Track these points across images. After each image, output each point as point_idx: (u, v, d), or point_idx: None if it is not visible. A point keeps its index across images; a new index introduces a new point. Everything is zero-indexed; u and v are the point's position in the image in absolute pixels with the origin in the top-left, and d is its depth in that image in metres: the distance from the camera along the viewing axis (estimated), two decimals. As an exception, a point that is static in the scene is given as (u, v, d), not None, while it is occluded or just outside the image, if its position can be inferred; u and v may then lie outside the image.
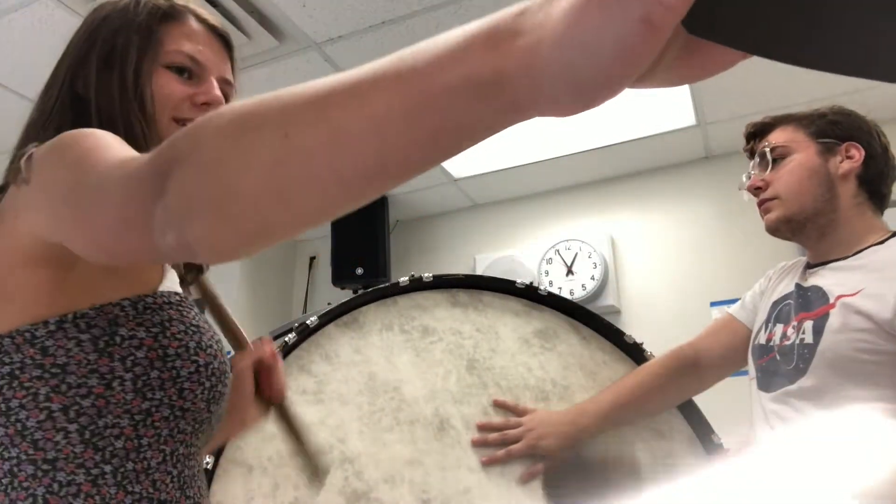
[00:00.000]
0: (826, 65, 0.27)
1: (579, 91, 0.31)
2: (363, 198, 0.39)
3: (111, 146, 0.57)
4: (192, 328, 0.69)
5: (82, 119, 0.73)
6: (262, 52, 2.36)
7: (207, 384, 0.68)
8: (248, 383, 0.90)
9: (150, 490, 0.65)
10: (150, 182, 0.44)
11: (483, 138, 0.35)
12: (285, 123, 0.37)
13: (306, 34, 2.28)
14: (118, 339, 0.64)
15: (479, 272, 3.17)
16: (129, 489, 0.63)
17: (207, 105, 0.78)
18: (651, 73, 0.32)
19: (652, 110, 2.75)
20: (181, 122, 0.77)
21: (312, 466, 0.93)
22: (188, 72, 0.78)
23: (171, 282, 0.74)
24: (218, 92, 0.79)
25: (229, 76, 0.83)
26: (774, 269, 1.41)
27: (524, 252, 3.25)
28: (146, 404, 0.64)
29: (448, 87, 0.33)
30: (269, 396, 0.93)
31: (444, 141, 0.35)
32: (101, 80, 0.74)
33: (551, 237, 3.22)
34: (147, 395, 0.64)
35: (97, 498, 0.62)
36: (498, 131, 0.35)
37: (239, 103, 0.40)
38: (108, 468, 0.62)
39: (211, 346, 0.70)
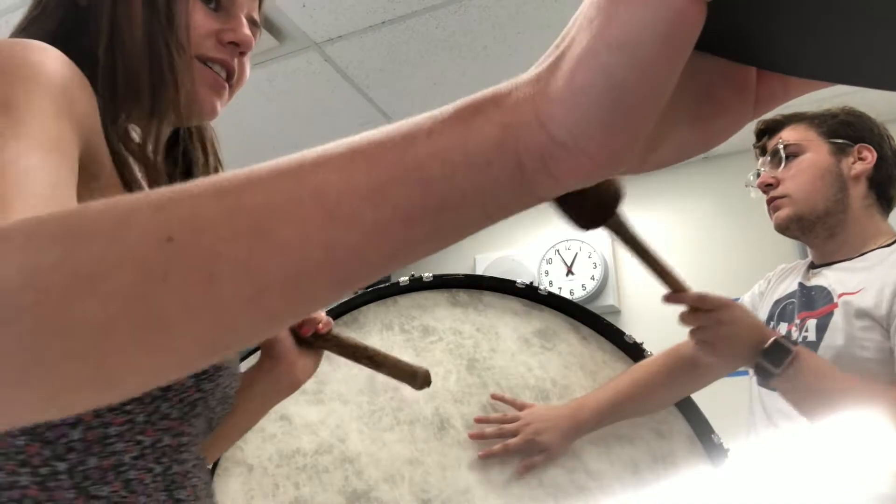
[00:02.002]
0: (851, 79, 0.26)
1: (615, 117, 0.24)
2: (286, 316, 0.28)
3: (29, 129, 0.43)
4: None
5: (78, 34, 0.58)
6: (262, 52, 2.35)
7: None
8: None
9: (123, 493, 0.51)
10: None
11: (469, 222, 0.27)
12: (166, 220, 0.26)
13: (306, 34, 2.28)
14: None
15: (479, 272, 3.17)
16: (94, 493, 0.50)
17: (235, 45, 0.65)
18: (661, 139, 0.27)
19: (652, 110, 2.75)
20: (205, 62, 0.64)
21: (405, 374, 0.80)
22: (216, 2, 0.65)
23: None
24: (248, 31, 0.66)
25: (257, 16, 0.70)
26: (774, 271, 1.41)
27: (524, 252, 3.25)
28: None
29: (435, 154, 0.26)
30: (306, 331, 0.77)
31: (418, 226, 0.26)
32: None
33: (551, 237, 3.22)
34: None
35: None
36: (492, 214, 0.27)
37: (67, 209, 0.27)
38: (61, 466, 0.49)
39: None
